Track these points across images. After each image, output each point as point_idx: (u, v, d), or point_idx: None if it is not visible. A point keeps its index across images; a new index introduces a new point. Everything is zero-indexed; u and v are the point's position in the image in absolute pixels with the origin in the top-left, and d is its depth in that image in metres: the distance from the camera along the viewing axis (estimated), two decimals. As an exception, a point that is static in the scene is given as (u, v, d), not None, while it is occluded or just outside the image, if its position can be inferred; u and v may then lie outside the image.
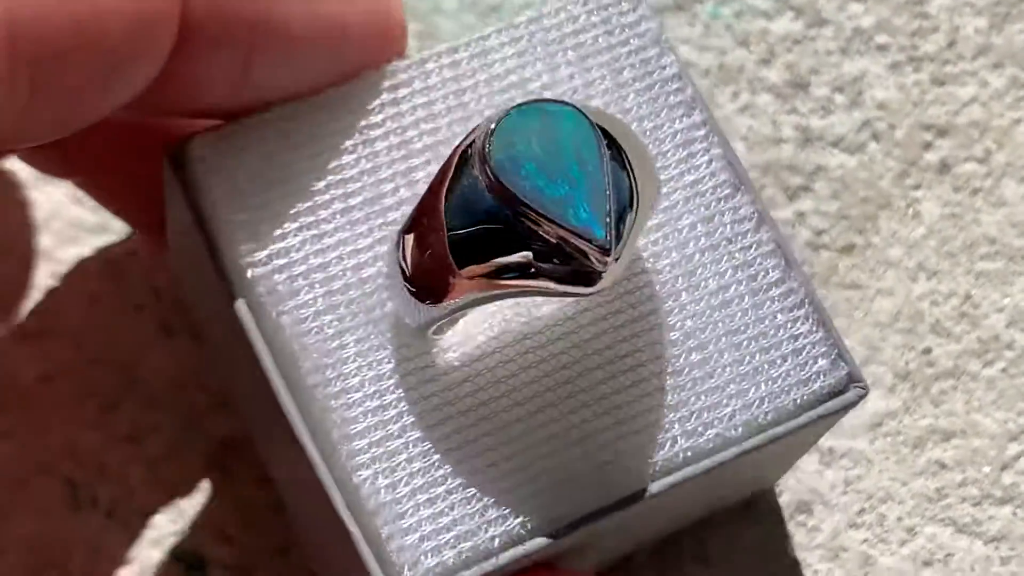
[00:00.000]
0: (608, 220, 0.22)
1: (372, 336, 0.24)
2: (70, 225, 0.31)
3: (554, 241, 0.22)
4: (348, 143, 0.25)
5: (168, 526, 0.29)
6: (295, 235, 0.25)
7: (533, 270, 0.22)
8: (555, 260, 0.22)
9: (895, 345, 0.31)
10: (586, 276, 0.22)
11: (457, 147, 0.23)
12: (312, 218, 0.25)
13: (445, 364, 0.24)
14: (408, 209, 0.25)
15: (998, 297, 0.31)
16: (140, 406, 0.30)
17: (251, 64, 0.24)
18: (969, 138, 0.32)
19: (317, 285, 0.25)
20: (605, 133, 0.23)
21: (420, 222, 0.23)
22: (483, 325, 0.24)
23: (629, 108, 0.26)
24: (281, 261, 0.25)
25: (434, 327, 0.23)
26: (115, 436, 0.30)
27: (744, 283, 0.25)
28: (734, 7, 0.32)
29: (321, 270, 0.25)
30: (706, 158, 0.25)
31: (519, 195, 0.22)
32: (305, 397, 0.24)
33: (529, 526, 0.23)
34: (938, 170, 0.32)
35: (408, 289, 0.23)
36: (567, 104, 0.23)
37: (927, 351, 0.31)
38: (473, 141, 0.23)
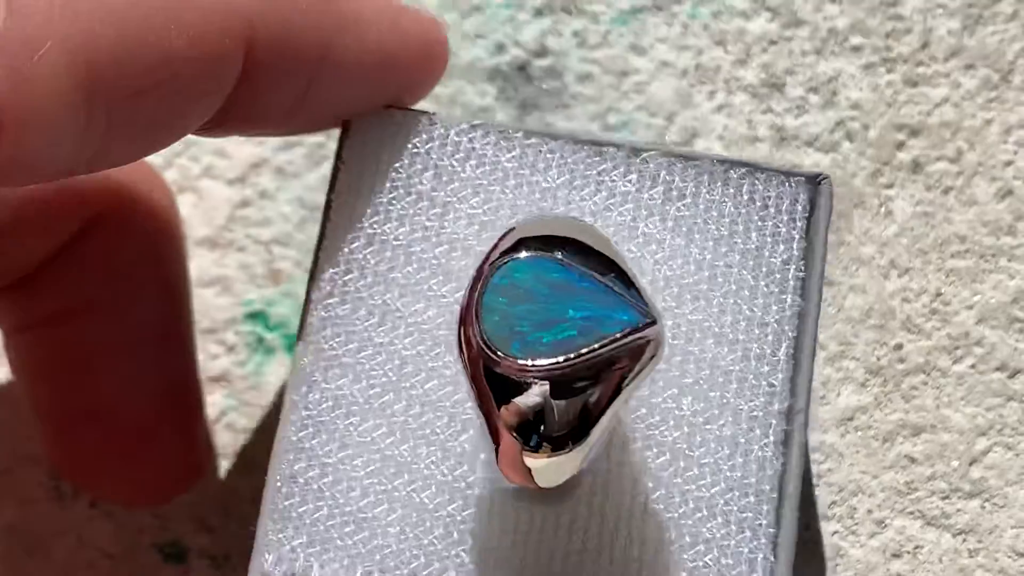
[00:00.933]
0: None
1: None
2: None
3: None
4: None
5: (149, 516, 0.30)
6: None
7: None
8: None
9: (867, 341, 0.31)
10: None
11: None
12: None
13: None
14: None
15: (968, 295, 0.31)
16: (123, 397, 0.30)
17: (307, 94, 0.25)
18: (941, 138, 0.32)
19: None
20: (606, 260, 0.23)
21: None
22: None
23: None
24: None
25: None
26: (98, 427, 0.30)
27: (727, 509, 0.25)
28: (712, 7, 0.33)
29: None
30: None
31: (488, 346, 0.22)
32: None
33: None
34: (910, 169, 0.32)
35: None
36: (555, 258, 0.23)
37: (898, 347, 0.31)
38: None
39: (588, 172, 0.26)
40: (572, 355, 0.22)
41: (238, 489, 0.30)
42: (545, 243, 0.22)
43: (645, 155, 0.26)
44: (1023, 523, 0.30)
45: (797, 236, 0.26)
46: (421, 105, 0.27)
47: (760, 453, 0.25)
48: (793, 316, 0.25)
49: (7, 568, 0.30)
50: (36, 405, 0.28)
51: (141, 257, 0.28)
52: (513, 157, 0.26)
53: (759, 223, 0.26)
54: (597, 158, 0.26)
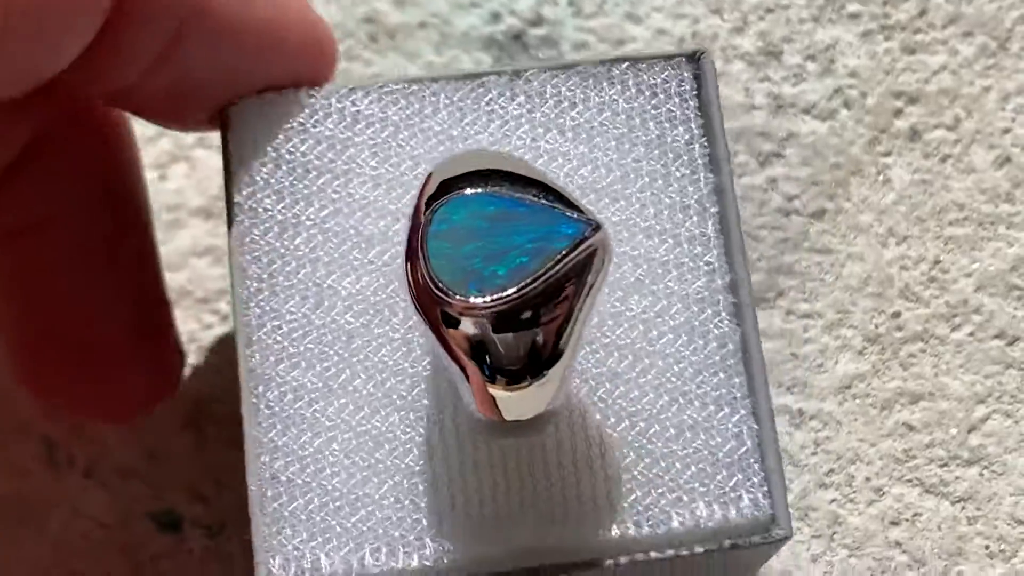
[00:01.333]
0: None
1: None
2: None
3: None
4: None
5: (143, 486, 0.30)
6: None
7: None
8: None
9: (865, 309, 0.31)
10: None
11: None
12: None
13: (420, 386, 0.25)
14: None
15: (967, 262, 0.31)
16: (117, 367, 0.30)
17: (179, 44, 0.24)
18: (939, 105, 0.32)
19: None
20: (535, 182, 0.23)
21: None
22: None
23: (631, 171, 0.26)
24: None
25: None
26: (92, 397, 0.30)
27: (701, 392, 0.25)
28: (708, -24, 0.33)
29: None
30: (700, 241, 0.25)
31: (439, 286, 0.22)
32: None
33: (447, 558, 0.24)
34: (908, 137, 0.32)
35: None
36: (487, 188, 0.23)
37: (896, 315, 0.31)
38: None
39: (476, 105, 0.26)
40: (523, 283, 0.21)
41: (231, 459, 0.30)
42: (468, 179, 0.22)
43: (527, 74, 0.26)
44: (1022, 490, 0.30)
45: (692, 115, 0.26)
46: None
47: (716, 330, 0.25)
48: (711, 192, 0.25)
49: (2, 538, 0.29)
50: (1, 327, 0.28)
51: (94, 170, 0.27)
52: (399, 109, 0.26)
53: (653, 112, 0.26)
54: (481, 89, 0.26)
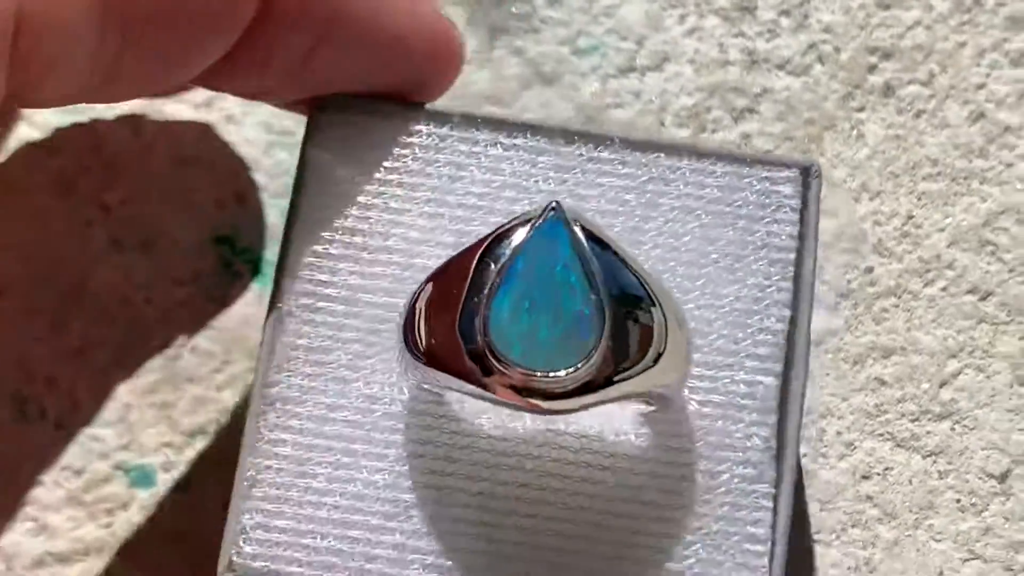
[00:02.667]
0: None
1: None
2: (20, 143, 0.31)
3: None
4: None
5: (115, 439, 0.30)
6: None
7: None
8: None
9: (837, 264, 0.31)
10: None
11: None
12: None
13: (448, 413, 0.25)
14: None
15: (940, 217, 0.31)
16: (88, 320, 0.30)
17: (316, 52, 0.25)
18: (913, 61, 0.32)
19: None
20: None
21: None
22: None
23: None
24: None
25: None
26: (64, 350, 0.30)
27: (724, 506, 0.25)
28: (683, -69, 0.33)
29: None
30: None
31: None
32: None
33: None
34: (882, 92, 0.32)
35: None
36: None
37: (869, 270, 0.31)
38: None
39: (581, 175, 0.26)
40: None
41: (204, 415, 0.30)
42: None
43: (641, 156, 0.26)
44: (993, 445, 0.30)
45: (791, 225, 0.26)
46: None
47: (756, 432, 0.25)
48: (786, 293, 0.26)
49: (-28, 490, 0.30)
50: None
51: None
52: (507, 159, 0.26)
53: (753, 211, 0.26)
54: (584, 155, 0.26)
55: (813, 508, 0.30)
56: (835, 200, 0.31)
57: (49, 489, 0.29)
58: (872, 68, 0.32)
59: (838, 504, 0.30)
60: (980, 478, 0.30)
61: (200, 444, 0.30)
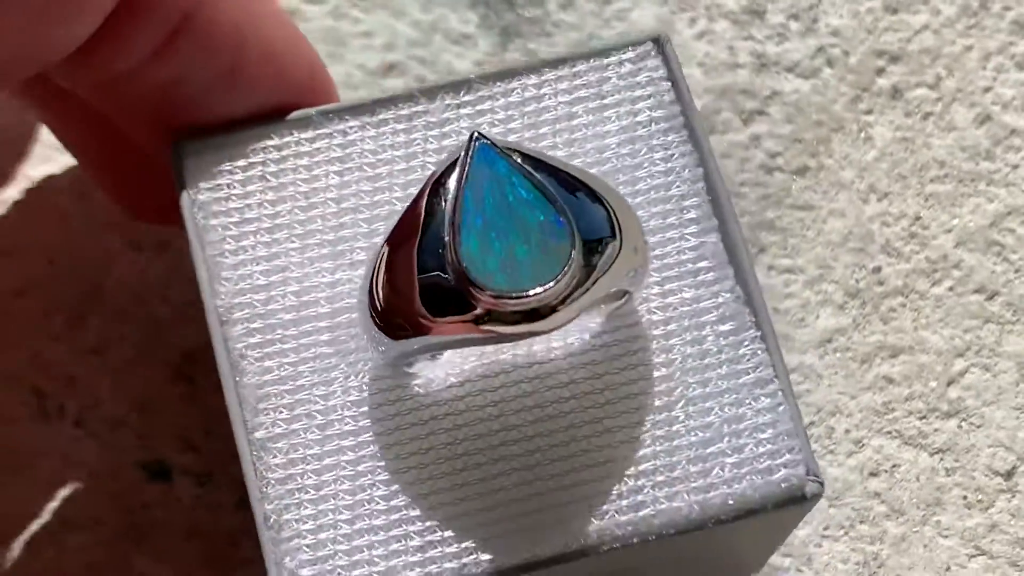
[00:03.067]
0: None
1: (330, 364, 0.25)
2: (43, 146, 0.32)
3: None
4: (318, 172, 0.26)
5: (133, 435, 0.30)
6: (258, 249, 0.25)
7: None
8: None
9: (846, 264, 0.31)
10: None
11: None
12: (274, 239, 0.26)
13: (414, 395, 0.25)
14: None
15: (947, 218, 0.32)
16: (107, 319, 0.31)
17: (180, 37, 0.24)
18: (921, 64, 0.32)
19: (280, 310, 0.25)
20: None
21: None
22: (458, 360, 0.25)
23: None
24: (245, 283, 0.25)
25: (406, 360, 0.24)
26: (82, 348, 0.31)
27: (723, 364, 0.25)
28: (693, -64, 0.33)
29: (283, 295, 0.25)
30: (695, 230, 0.26)
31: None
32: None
33: (474, 564, 0.24)
34: (890, 95, 0.32)
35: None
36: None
37: (877, 270, 0.31)
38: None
39: (455, 121, 0.26)
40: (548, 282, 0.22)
41: (220, 409, 0.30)
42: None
43: (505, 82, 0.26)
44: (999, 442, 0.30)
45: (666, 98, 0.26)
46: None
47: (725, 294, 0.25)
48: (695, 162, 0.26)
49: (-8, 485, 0.30)
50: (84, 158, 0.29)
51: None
52: (385, 135, 0.26)
53: (629, 98, 0.26)
54: (461, 100, 0.26)
55: (821, 504, 0.30)
56: (843, 201, 0.32)
57: (68, 485, 0.30)
58: (880, 71, 0.32)
59: (846, 500, 0.30)
60: (986, 475, 0.30)
61: (216, 440, 0.30)
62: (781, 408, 0.24)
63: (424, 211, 0.23)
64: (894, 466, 0.30)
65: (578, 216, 0.23)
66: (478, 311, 0.22)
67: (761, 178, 0.32)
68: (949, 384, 0.31)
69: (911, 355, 0.31)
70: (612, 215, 0.23)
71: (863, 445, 0.30)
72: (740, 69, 0.32)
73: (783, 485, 0.24)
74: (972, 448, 0.30)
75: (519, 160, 0.23)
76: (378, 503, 0.24)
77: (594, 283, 0.23)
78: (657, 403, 0.24)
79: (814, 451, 0.30)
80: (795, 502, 0.24)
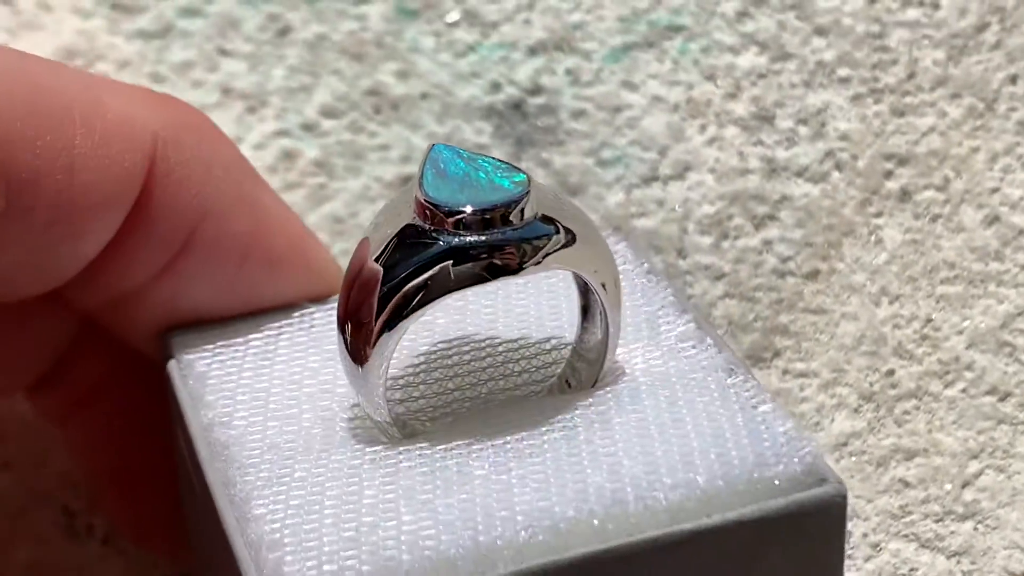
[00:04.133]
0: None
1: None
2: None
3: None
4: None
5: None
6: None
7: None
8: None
9: (859, 367, 0.32)
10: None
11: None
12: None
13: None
14: None
15: (958, 320, 0.32)
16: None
17: (187, 252, 0.25)
18: (928, 166, 0.33)
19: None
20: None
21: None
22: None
23: None
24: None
25: (402, 426, 0.24)
26: (109, 466, 0.31)
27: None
28: (701, 43, 0.34)
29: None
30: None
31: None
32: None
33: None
34: (899, 198, 0.33)
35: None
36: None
37: (890, 373, 0.32)
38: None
39: None
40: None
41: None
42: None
43: None
44: (1015, 544, 0.31)
45: None
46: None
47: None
48: None
49: (23, 606, 0.30)
50: (96, 481, 0.29)
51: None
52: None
53: None
54: None
55: (841, 609, 0.30)
56: (855, 304, 0.32)
57: (97, 603, 0.30)
58: (888, 174, 0.33)
59: (865, 605, 0.30)
60: (1004, 576, 0.31)
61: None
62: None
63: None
64: (912, 570, 0.31)
65: None
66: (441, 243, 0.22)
67: (773, 283, 0.32)
68: (964, 486, 0.31)
69: (926, 457, 0.31)
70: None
71: (881, 549, 0.31)
72: (750, 175, 0.33)
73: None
74: (988, 550, 0.31)
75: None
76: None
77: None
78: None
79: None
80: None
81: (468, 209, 0.23)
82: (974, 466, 0.31)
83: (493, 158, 0.24)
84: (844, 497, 0.21)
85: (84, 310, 0.26)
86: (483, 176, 0.23)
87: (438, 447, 0.23)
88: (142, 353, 0.27)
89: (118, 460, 0.28)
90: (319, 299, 0.27)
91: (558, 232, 0.23)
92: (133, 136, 0.24)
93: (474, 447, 0.23)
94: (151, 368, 0.27)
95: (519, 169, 0.23)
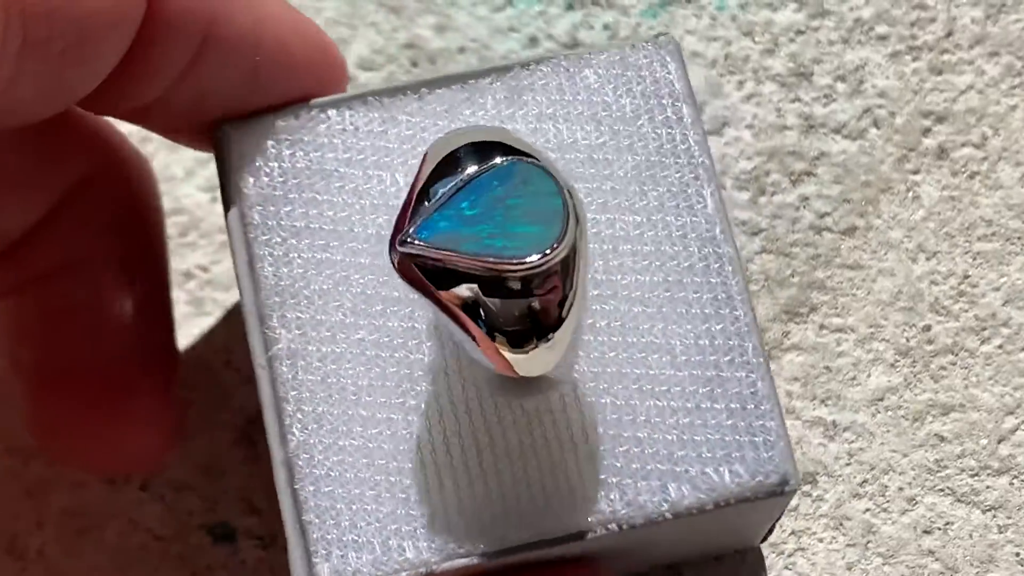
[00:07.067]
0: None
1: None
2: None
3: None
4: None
5: (197, 499, 0.31)
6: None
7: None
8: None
9: (896, 323, 0.32)
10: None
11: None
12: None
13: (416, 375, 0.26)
14: None
15: (995, 277, 0.32)
16: (171, 384, 0.31)
17: (200, 58, 0.25)
18: (966, 124, 0.33)
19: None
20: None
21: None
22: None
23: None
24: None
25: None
26: (147, 413, 0.31)
27: (707, 354, 0.26)
28: None
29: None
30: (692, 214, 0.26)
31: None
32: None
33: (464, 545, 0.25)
34: (936, 155, 0.33)
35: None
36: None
37: (927, 328, 0.32)
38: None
39: (467, 107, 0.27)
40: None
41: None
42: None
43: (510, 73, 0.27)
44: (1051, 499, 0.31)
45: (669, 98, 0.27)
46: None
47: (710, 283, 0.26)
48: (701, 147, 0.27)
49: (62, 550, 0.30)
50: (17, 368, 0.29)
51: (121, 220, 0.29)
52: (387, 119, 0.27)
53: (634, 91, 0.27)
54: (467, 91, 0.27)
55: (876, 563, 0.30)
56: (892, 260, 0.32)
57: (134, 548, 0.30)
58: (926, 131, 0.33)
59: (901, 558, 0.30)
60: (1039, 532, 0.31)
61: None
62: (762, 410, 0.25)
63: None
64: (947, 524, 0.31)
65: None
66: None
67: (810, 238, 0.32)
68: (1000, 441, 0.31)
69: (962, 412, 0.31)
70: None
71: (916, 503, 0.31)
72: (788, 131, 0.33)
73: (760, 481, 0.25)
74: (1024, 505, 0.31)
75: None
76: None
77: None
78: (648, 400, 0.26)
79: (867, 508, 0.31)
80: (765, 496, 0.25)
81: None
82: (1010, 421, 0.31)
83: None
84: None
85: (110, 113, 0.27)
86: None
87: None
88: (96, 251, 0.27)
89: (43, 354, 0.28)
90: (329, 93, 0.27)
91: None
92: None
93: None
94: (102, 268, 0.27)
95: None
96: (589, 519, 0.25)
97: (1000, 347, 0.32)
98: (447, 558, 0.25)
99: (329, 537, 0.25)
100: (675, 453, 0.25)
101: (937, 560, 0.30)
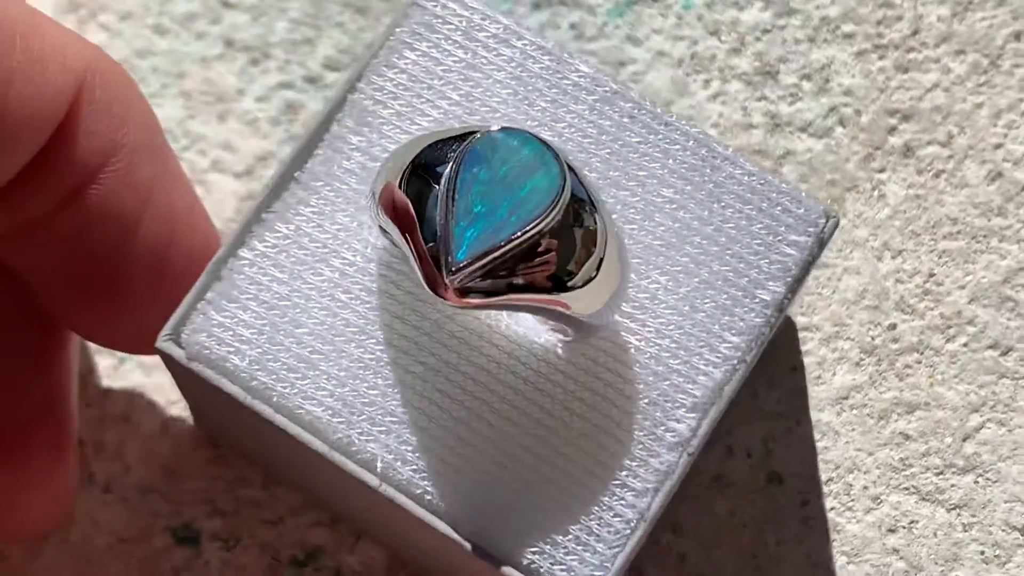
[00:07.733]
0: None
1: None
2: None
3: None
4: None
5: (162, 501, 0.31)
6: None
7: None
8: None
9: (861, 321, 0.32)
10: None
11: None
12: None
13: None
14: None
15: (960, 275, 0.32)
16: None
17: (80, 195, 0.25)
18: (932, 122, 0.33)
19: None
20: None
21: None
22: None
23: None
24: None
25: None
26: (112, 415, 0.31)
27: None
28: (706, -2, 0.34)
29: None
30: None
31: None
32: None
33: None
34: (902, 153, 0.33)
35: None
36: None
37: (892, 327, 0.32)
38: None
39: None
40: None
41: (247, 476, 0.31)
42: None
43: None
44: (1016, 497, 0.31)
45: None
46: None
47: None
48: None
49: (25, 552, 0.30)
50: None
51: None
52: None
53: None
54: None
55: (841, 561, 0.30)
56: (858, 258, 0.32)
57: (99, 551, 0.30)
58: (892, 130, 0.33)
59: (865, 557, 0.30)
60: (1003, 530, 0.31)
61: (243, 505, 0.31)
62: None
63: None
64: (912, 522, 0.31)
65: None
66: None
67: (776, 237, 0.32)
68: (965, 440, 0.31)
69: (927, 411, 0.31)
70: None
71: (881, 501, 0.31)
72: (754, 129, 0.33)
73: None
74: (989, 503, 0.31)
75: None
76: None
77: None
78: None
79: (832, 507, 0.31)
80: None
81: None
82: (975, 420, 0.31)
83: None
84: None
85: None
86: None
87: None
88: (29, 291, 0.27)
89: None
90: (201, 263, 0.27)
91: None
92: (67, 61, 0.24)
93: None
94: (22, 312, 0.27)
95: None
96: None
97: (965, 345, 0.32)
98: None
99: None
100: None
101: (902, 559, 0.30)
